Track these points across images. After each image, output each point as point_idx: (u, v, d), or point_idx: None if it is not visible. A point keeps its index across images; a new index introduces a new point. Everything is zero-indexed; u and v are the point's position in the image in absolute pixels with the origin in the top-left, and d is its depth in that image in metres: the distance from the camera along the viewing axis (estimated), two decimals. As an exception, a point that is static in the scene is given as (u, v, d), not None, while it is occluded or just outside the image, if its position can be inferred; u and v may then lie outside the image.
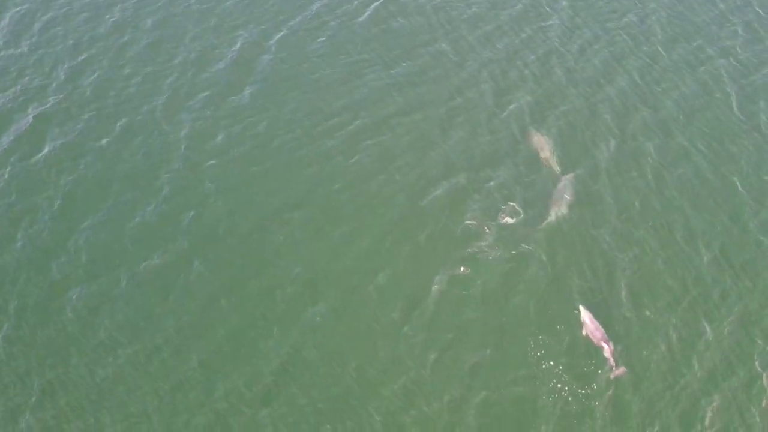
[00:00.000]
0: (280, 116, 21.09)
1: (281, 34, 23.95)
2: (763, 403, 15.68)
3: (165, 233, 17.60)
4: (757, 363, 16.63)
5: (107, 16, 23.84)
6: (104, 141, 19.81)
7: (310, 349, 15.83)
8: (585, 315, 16.88)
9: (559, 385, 15.71)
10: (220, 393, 14.98)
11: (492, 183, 19.92)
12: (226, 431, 14.50)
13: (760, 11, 26.94)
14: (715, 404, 15.73)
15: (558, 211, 19.12)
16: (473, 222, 18.57)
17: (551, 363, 16.08)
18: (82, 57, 22.41)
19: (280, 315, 16.45)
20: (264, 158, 19.88)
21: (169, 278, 16.74)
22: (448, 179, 19.86)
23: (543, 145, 20.90)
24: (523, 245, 18.36)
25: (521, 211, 19.14)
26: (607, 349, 16.33)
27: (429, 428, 14.91)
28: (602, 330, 16.59)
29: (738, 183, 20.66)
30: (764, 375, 16.28)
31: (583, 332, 16.70)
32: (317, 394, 15.16)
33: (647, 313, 17.37)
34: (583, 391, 15.66)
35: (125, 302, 16.30)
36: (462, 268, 17.61)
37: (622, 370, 16.09)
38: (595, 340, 16.50)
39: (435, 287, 17.20)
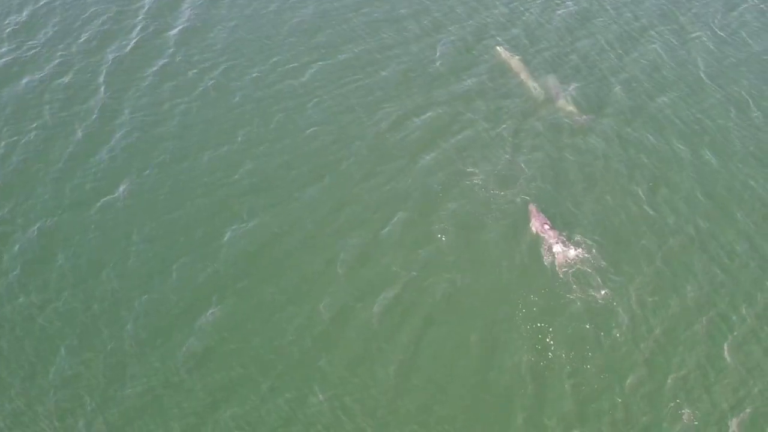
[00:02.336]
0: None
1: None
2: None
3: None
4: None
5: None
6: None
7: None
8: (532, 209, 19.46)
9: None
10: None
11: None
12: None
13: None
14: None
15: None
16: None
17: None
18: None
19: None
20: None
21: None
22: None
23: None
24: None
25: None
26: (551, 237, 18.78)
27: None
28: (547, 220, 19.14)
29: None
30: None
31: (532, 227, 19.19)
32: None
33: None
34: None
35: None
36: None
37: (568, 257, 18.42)
38: (541, 230, 19.00)
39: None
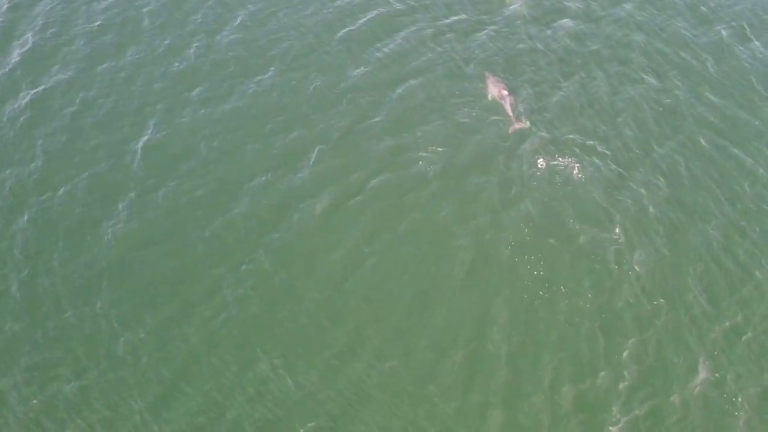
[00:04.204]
0: None
1: None
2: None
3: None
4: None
5: None
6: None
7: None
8: (489, 78, 17.97)
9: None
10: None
11: None
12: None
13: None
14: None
15: None
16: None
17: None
18: None
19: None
20: None
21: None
22: None
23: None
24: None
25: None
26: (507, 102, 17.40)
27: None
28: (504, 85, 17.71)
29: None
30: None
31: (488, 95, 17.76)
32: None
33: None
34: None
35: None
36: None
37: (522, 123, 17.17)
38: (498, 96, 17.56)
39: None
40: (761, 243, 15.45)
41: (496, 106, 17.55)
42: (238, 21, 19.48)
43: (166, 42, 18.73)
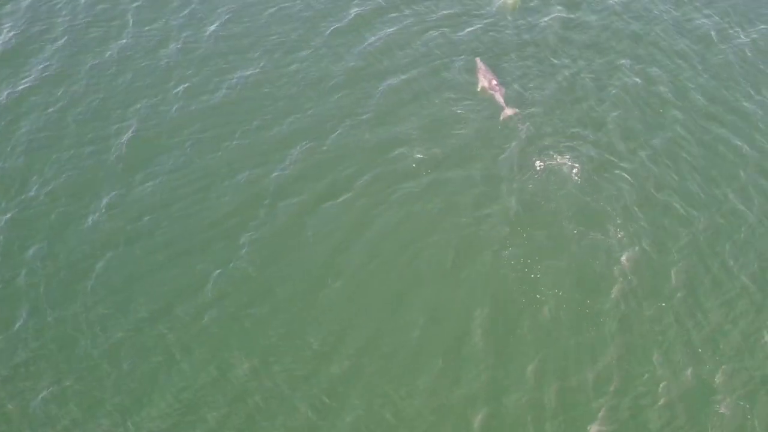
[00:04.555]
0: None
1: None
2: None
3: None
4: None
5: None
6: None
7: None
8: (479, 65, 17.69)
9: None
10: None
11: None
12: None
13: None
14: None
15: None
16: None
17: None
18: None
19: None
20: None
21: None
22: None
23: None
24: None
25: None
26: (497, 92, 17.08)
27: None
28: (494, 75, 17.40)
29: None
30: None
31: (479, 84, 17.42)
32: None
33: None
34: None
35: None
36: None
37: (513, 110, 16.86)
38: (488, 86, 17.23)
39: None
40: (748, 244, 15.14)
41: (485, 98, 17.26)
42: (225, 17, 19.19)
43: (152, 36, 18.50)
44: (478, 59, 17.91)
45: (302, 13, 19.43)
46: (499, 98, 16.99)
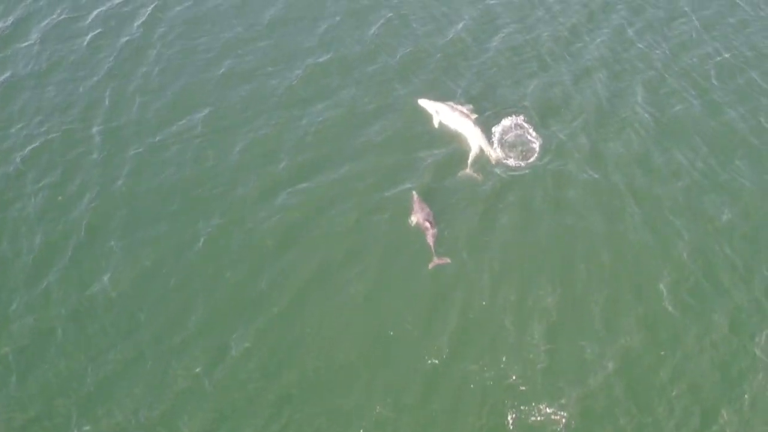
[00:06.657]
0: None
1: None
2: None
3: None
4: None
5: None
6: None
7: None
8: (415, 199, 15.83)
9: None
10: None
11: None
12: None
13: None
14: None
15: None
16: None
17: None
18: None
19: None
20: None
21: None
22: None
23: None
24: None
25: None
26: (429, 233, 15.29)
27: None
28: (429, 213, 15.62)
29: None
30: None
31: (412, 218, 15.59)
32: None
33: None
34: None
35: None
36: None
37: (443, 260, 15.04)
38: (421, 225, 15.43)
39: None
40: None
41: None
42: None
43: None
44: (414, 192, 15.97)
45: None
46: (431, 241, 15.19)
